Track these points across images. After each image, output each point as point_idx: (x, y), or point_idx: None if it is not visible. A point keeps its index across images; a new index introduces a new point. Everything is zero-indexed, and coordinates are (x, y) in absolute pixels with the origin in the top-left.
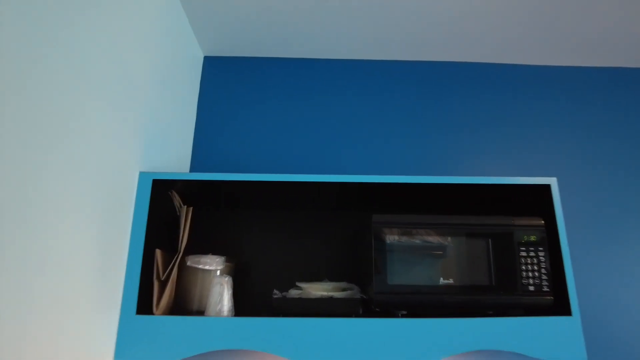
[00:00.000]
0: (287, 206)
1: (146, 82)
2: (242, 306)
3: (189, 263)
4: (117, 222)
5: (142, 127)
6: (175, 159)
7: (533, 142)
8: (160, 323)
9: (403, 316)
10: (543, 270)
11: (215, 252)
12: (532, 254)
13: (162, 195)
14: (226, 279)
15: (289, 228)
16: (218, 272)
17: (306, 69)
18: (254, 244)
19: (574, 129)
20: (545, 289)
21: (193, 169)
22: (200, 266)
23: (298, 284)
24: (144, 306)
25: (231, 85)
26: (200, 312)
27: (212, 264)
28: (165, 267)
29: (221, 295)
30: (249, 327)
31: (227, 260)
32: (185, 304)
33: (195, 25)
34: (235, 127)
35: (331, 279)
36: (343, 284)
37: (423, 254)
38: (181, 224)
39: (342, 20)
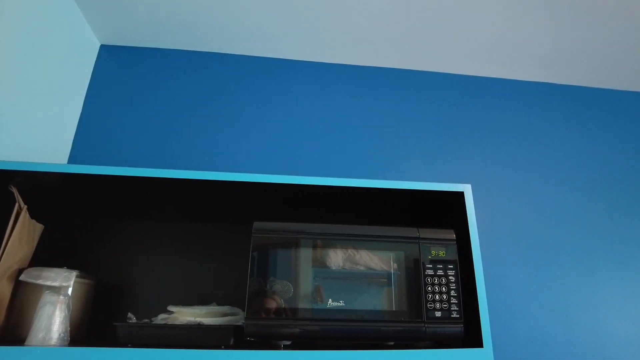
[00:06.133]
0: (177, 215)
1: None
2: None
3: (22, 277)
4: None
5: None
6: (47, 149)
7: (449, 149)
8: None
9: (286, 348)
10: (453, 293)
11: (76, 268)
12: (440, 272)
13: None
14: (61, 297)
15: (177, 242)
16: (69, 290)
17: (211, 62)
18: (130, 259)
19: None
20: (455, 315)
21: (72, 161)
22: (39, 281)
23: (170, 307)
24: None
25: (130, 76)
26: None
27: (57, 279)
28: None
29: (50, 318)
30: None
31: (82, 276)
32: (20, 330)
33: (87, 12)
34: (129, 120)
35: (224, 303)
36: (225, 309)
37: (309, 270)
38: (9, 226)
39: (243, 13)
